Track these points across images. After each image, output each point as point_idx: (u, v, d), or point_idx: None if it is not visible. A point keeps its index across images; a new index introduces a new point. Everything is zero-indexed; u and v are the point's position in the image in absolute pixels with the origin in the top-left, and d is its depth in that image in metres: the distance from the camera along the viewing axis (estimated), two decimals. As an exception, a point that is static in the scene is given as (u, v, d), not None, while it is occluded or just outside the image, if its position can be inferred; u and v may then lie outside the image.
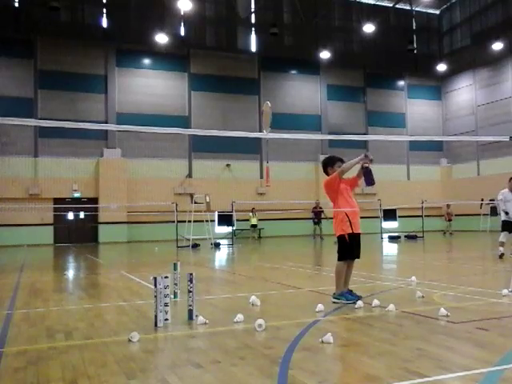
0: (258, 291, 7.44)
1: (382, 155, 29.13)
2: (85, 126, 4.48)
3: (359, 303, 6.13)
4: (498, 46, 29.31)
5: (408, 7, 32.86)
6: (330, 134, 29.71)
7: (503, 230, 12.07)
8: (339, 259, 6.53)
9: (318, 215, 24.97)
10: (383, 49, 31.97)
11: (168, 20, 27.87)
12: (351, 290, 6.56)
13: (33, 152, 25.16)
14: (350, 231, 6.45)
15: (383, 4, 32.59)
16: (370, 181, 6.42)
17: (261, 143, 28.40)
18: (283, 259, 13.76)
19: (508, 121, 29.12)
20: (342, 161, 6.72)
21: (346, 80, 31.74)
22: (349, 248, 6.47)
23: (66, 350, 4.41)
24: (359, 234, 6.58)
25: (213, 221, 22.37)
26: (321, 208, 24.78)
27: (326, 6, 30.54)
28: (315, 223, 25.17)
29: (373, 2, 32.40)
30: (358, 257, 6.65)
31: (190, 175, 27.77)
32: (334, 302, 6.36)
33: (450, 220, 27.10)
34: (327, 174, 6.78)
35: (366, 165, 6.40)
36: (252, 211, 26.41)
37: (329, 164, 6.76)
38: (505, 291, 6.68)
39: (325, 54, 29.90)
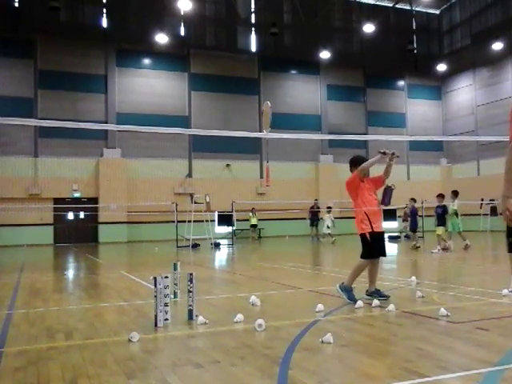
0: (258, 291, 7.43)
1: (381, 155, 29.04)
2: (85, 126, 4.49)
3: (359, 303, 6.14)
4: (498, 45, 29.31)
5: (408, 7, 32.86)
6: (329, 134, 29.66)
7: None
8: (362, 257, 6.58)
9: (315, 215, 24.19)
10: (383, 49, 31.94)
11: (168, 20, 27.85)
12: (379, 290, 6.62)
13: (33, 152, 25.16)
14: (370, 230, 6.48)
15: (383, 4, 32.59)
16: (387, 201, 6.72)
17: (261, 143, 28.39)
18: (283, 259, 13.75)
19: (508, 121, 29.04)
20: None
21: (346, 80, 31.73)
22: (370, 247, 6.50)
23: (66, 350, 4.41)
24: (382, 232, 6.62)
25: (213, 221, 22.36)
26: (318, 208, 24.53)
27: (326, 6, 30.53)
28: (312, 224, 24.18)
29: (373, 2, 32.40)
30: (384, 255, 6.67)
31: (190, 175, 27.77)
32: (338, 291, 6.53)
33: None
34: (352, 172, 6.85)
35: (391, 185, 6.63)
36: (252, 211, 26.39)
37: (356, 163, 6.77)
38: (505, 291, 6.68)
39: (325, 54, 29.89)
